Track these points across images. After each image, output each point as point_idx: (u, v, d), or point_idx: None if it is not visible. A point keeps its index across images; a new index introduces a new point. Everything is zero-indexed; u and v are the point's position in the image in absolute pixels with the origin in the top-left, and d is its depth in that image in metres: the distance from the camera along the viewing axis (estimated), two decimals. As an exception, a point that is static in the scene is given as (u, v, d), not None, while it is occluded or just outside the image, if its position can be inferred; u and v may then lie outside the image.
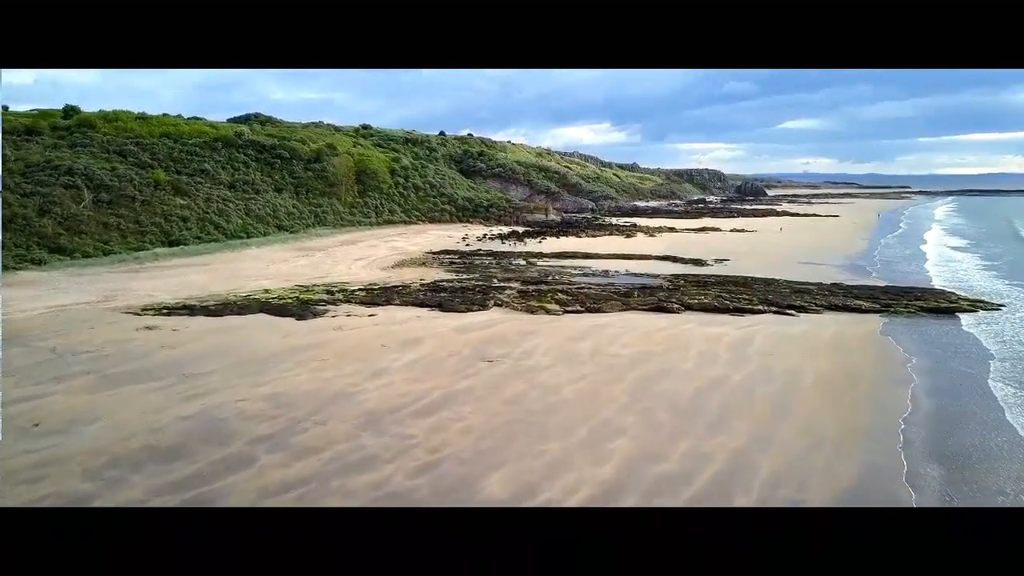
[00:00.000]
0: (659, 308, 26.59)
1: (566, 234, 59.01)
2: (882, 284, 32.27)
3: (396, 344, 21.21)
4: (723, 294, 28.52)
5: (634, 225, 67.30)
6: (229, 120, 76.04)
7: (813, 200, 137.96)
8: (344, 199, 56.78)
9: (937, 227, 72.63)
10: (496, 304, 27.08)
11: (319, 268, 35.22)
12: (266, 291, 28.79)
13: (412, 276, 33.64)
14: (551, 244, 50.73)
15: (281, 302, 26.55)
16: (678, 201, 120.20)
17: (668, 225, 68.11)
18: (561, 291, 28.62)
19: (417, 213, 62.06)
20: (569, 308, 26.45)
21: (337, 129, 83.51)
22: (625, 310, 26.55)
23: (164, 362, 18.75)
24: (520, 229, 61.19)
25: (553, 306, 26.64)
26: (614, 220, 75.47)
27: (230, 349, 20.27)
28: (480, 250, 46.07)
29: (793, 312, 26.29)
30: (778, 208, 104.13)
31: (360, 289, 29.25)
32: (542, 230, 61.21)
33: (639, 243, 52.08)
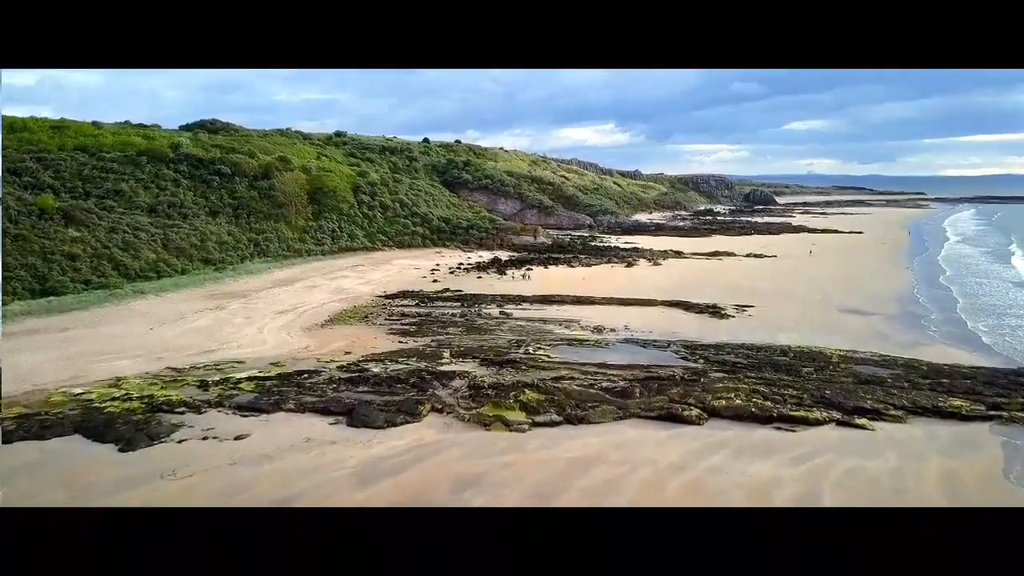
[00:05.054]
0: (671, 416, 18.31)
1: (556, 262, 50.67)
2: (972, 360, 23.84)
3: (241, 522, 12.86)
4: (760, 387, 20.14)
5: (636, 248, 58.84)
6: (181, 127, 67.81)
7: (827, 210, 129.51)
8: (294, 222, 48.19)
9: (978, 251, 63.87)
10: (435, 409, 18.73)
11: (219, 332, 26.75)
12: (117, 381, 20.46)
13: (339, 345, 25.24)
14: (537, 279, 42.31)
15: (121, 408, 18.20)
16: (684, 212, 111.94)
17: (674, 247, 59.63)
18: (531, 385, 20.18)
19: (383, 237, 53.25)
20: (540, 418, 18.12)
21: (306, 137, 75.19)
22: (622, 419, 18.32)
23: None
24: (504, 256, 52.78)
25: (517, 415, 18.30)
26: (613, 240, 67.23)
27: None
28: (447, 290, 37.66)
29: (865, 422, 18.06)
30: (793, 222, 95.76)
31: (251, 378, 20.85)
32: (529, 256, 52.85)
33: (641, 276, 43.70)
